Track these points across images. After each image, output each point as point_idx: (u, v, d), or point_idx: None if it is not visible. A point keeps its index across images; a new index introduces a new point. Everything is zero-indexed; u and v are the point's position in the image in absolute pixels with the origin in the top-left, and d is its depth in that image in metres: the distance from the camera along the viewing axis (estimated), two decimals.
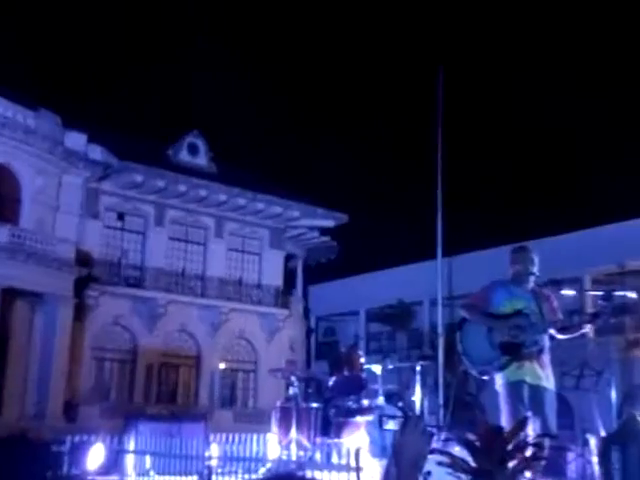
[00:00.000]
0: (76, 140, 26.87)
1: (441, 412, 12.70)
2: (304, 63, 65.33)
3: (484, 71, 54.19)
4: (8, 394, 23.64)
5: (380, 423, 7.65)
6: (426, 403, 8.98)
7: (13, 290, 23.35)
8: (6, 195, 25.32)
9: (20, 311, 24.50)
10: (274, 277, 32.99)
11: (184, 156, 31.50)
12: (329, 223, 34.08)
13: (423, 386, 8.88)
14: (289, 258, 35.14)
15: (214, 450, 14.53)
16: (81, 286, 25.69)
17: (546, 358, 5.86)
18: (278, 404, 9.53)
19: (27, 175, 25.38)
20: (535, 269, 5.99)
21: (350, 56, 65.56)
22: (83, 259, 25.96)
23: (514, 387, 5.72)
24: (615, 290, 6.12)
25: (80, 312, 26.03)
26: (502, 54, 58.57)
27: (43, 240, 24.37)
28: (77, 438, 18.18)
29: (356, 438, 8.11)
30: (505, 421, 5.51)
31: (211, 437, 15.38)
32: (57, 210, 26.48)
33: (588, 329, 5.84)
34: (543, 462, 5.01)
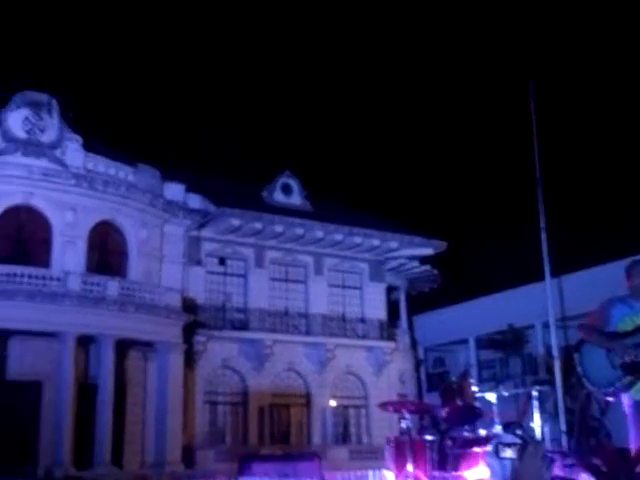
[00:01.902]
0: (175, 191, 27.81)
1: (564, 438, 12.00)
2: (389, 86, 65.59)
3: (577, 82, 52.53)
4: (128, 442, 24.28)
5: (497, 451, 7.27)
6: (547, 429, 8.50)
7: (125, 341, 24.13)
8: (113, 250, 26.41)
9: (134, 361, 25.26)
10: (377, 310, 32.69)
11: (278, 196, 31.96)
12: (428, 251, 33.57)
13: (542, 412, 8.43)
14: (391, 290, 34.77)
15: None
16: (189, 332, 26.27)
17: None
18: (392, 438, 9.26)
19: (131, 229, 26.41)
20: None
21: (441, 74, 65.22)
22: (189, 305, 26.60)
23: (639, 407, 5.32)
24: None
25: (190, 358, 26.59)
26: (593, 63, 56.71)
27: (150, 290, 25.14)
28: None
29: (475, 470, 7.72)
30: (633, 443, 5.10)
31: (326, 475, 15.17)
32: (161, 260, 27.36)
33: None
34: None
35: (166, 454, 24.12)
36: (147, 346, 25.10)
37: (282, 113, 63.69)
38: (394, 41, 64.72)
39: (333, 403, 30.04)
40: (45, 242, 24.71)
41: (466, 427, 8.62)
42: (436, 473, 8.23)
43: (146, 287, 25.16)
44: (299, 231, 30.24)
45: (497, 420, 8.60)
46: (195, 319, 26.61)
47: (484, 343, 34.45)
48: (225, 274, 29.76)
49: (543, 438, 7.99)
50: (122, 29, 60.97)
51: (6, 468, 20.32)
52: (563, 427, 13.22)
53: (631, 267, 5.79)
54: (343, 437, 30.79)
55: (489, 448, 7.74)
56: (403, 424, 9.19)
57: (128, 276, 25.87)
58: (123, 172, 26.44)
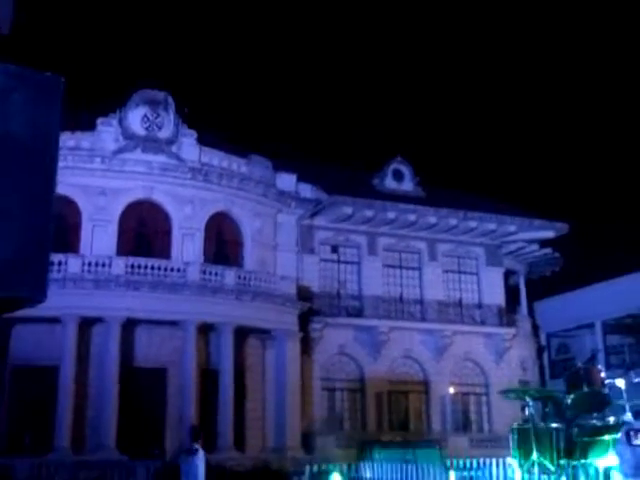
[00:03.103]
0: (287, 181, 28.14)
1: None
2: (500, 66, 63.51)
3: None
4: (249, 427, 24.87)
5: (628, 439, 6.81)
6: None
7: (243, 328, 24.68)
8: (229, 240, 27.08)
9: (252, 348, 25.83)
10: (495, 296, 31.83)
11: (390, 183, 31.68)
12: (549, 234, 32.30)
13: None
14: (509, 274, 33.75)
15: (452, 476, 14.01)
16: (305, 320, 26.55)
17: None
18: (515, 426, 8.94)
19: (245, 219, 26.96)
20: None
21: (557, 59, 62.55)
22: (304, 293, 26.86)
23: None
24: None
25: (306, 345, 26.89)
26: None
27: (266, 279, 25.58)
28: (315, 468, 18.56)
29: (605, 458, 7.28)
30: None
31: (447, 463, 14.89)
32: (275, 249, 27.78)
33: None
34: None
35: (286, 439, 24.52)
36: (264, 333, 25.58)
37: (392, 98, 63.19)
38: (515, 25, 62.62)
39: (452, 390, 29.55)
40: (165, 234, 25.67)
41: (594, 414, 8.21)
42: (563, 461, 7.85)
43: (261, 276, 25.63)
44: (411, 217, 29.86)
45: (627, 407, 8.14)
46: (310, 307, 26.86)
47: (612, 328, 32.81)
48: (339, 262, 29.85)
49: None
50: (230, 24, 62.38)
51: (135, 451, 21.33)
52: None
53: None
54: (463, 425, 30.24)
55: (619, 435, 7.31)
56: (526, 411, 8.84)
57: (244, 265, 26.45)
58: (236, 164, 27.02)
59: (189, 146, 26.09)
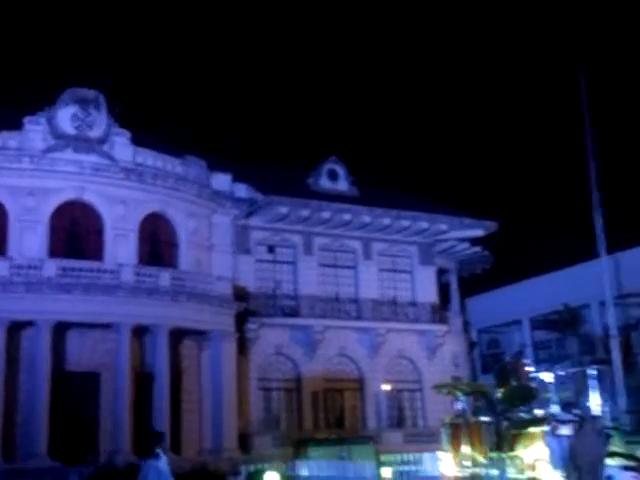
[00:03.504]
0: (222, 181, 28.07)
1: (624, 416, 11.75)
2: (435, 68, 64.69)
3: (627, 66, 51.01)
4: (185, 430, 24.68)
5: (554, 429, 7.17)
6: (606, 408, 8.34)
7: (179, 330, 24.49)
8: (163, 241, 26.80)
9: (188, 349, 25.64)
10: (428, 293, 32.48)
11: (325, 183, 31.92)
12: (478, 233, 33.14)
13: (600, 391, 8.27)
14: (442, 272, 34.48)
15: (386, 472, 14.27)
16: (241, 320, 26.53)
17: None
18: (447, 421, 9.21)
19: (180, 220, 26.75)
20: None
21: (487, 61, 64.11)
22: (240, 294, 26.83)
23: None
24: None
25: (243, 345, 26.89)
26: None
27: (201, 280, 25.43)
28: (252, 468, 18.60)
29: (533, 450, 7.61)
30: None
31: (382, 458, 15.13)
32: (211, 250, 27.66)
33: None
34: None
35: (223, 441, 24.45)
36: (200, 335, 25.43)
37: (326, 99, 63.54)
38: (442, 25, 63.84)
39: (386, 387, 30.01)
40: (98, 236, 25.22)
41: (522, 407, 8.52)
42: (493, 454, 8.15)
43: (197, 277, 25.47)
44: (346, 217, 30.18)
45: (554, 399, 8.48)
46: (246, 307, 26.84)
47: (539, 323, 33.89)
48: (274, 262, 29.93)
49: (601, 416, 7.83)
50: (164, 23, 61.62)
51: (69, 456, 20.91)
52: (622, 405, 12.95)
53: None
54: (398, 421, 30.76)
55: (546, 427, 7.63)
56: (458, 406, 9.13)
57: (179, 266, 26.23)
58: (171, 164, 26.76)
59: (122, 146, 25.69)
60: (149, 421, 22.63)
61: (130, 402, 22.52)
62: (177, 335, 24.66)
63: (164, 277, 24.07)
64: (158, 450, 10.37)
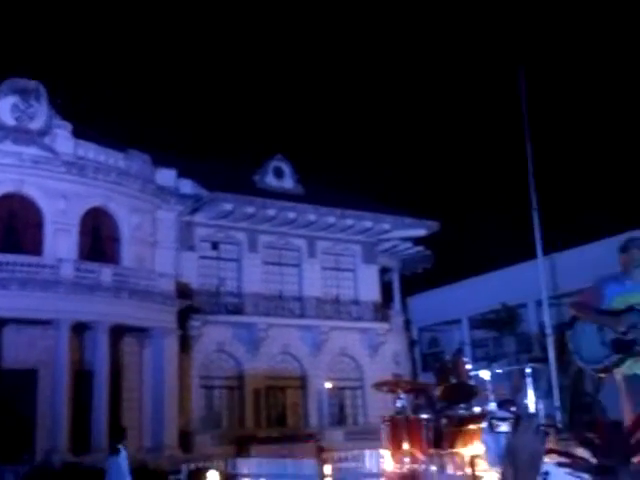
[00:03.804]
0: (166, 176, 27.76)
1: (558, 414, 12.16)
2: (380, 69, 65.27)
3: (566, 68, 52.44)
4: (125, 428, 24.33)
5: (491, 427, 7.37)
6: (541, 405, 8.62)
7: (120, 327, 24.15)
8: (105, 236, 26.36)
9: (129, 347, 25.32)
10: (371, 292, 32.82)
11: (270, 180, 31.93)
12: (421, 232, 33.67)
13: (536, 389, 8.53)
14: (384, 271, 34.88)
15: (327, 469, 14.42)
16: (184, 317, 26.32)
17: None
18: (387, 418, 9.34)
19: (123, 215, 26.35)
20: None
21: (430, 60, 64.94)
22: (183, 291, 26.61)
23: (631, 382, 5.40)
24: None
25: (185, 343, 26.67)
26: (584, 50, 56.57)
27: (144, 276, 25.15)
28: (193, 466, 18.51)
29: (471, 447, 7.82)
30: (626, 417, 5.18)
31: (323, 456, 15.26)
32: (154, 246, 27.33)
33: None
34: None
35: (163, 439, 24.24)
36: (142, 332, 25.14)
37: (273, 97, 63.38)
38: (382, 25, 64.41)
39: (328, 385, 30.21)
40: (37, 230, 24.65)
41: (461, 405, 8.71)
42: (432, 451, 8.33)
43: (139, 273, 25.16)
44: (291, 215, 30.25)
45: (491, 397, 8.69)
46: (189, 304, 26.64)
47: (478, 322, 34.57)
48: (219, 259, 29.79)
49: (537, 413, 8.09)
50: (109, 14, 60.50)
51: (4, 455, 20.39)
52: (557, 403, 13.39)
53: (625, 245, 5.79)
54: (339, 418, 31.01)
55: (484, 425, 7.84)
56: (398, 404, 9.28)
57: (121, 262, 25.86)
58: (114, 158, 26.33)
59: (63, 138, 25.16)
60: (88, 419, 22.30)
61: (68, 400, 22.12)
62: (118, 332, 24.31)
63: (105, 273, 23.71)
64: (120, 446, 10.54)
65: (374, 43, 65.34)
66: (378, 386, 11.92)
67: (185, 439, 25.31)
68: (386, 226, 32.54)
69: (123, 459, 10.52)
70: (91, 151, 25.77)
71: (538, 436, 2.65)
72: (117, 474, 10.57)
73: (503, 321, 31.97)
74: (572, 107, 53.19)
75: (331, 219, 31.10)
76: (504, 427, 7.10)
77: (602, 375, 5.84)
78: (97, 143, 26.03)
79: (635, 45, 54.26)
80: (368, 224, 32.05)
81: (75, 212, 25.13)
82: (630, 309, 5.45)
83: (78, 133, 25.50)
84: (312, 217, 30.67)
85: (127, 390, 24.87)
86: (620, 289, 5.61)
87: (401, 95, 63.94)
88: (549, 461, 2.91)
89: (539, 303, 25.87)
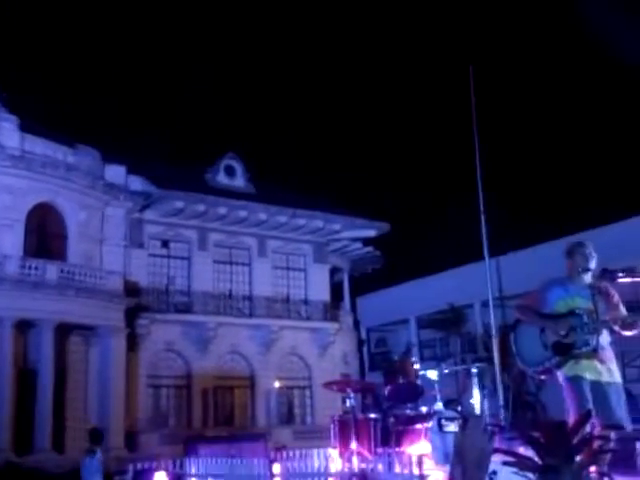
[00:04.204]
0: (116, 173, 27.38)
1: (502, 413, 12.44)
2: (329, 70, 65.56)
3: (516, 69, 53.52)
4: (69, 428, 23.95)
5: (440, 427, 7.52)
6: (486, 405, 8.82)
7: (66, 325, 23.74)
8: (52, 232, 25.86)
9: (75, 345, 24.90)
10: (321, 292, 32.95)
11: (222, 179, 31.77)
12: (371, 233, 33.94)
13: (481, 389, 8.72)
14: (334, 271, 35.07)
15: (276, 468, 14.47)
16: (132, 316, 26.01)
17: (608, 353, 5.68)
18: (335, 417, 9.41)
19: (71, 211, 25.89)
20: (592, 264, 5.81)
21: (379, 61, 65.48)
22: (131, 289, 26.30)
23: (573, 382, 5.57)
24: None
25: (133, 341, 26.37)
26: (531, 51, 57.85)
27: (91, 274, 24.76)
28: (139, 466, 18.31)
29: (418, 446, 7.95)
30: (569, 417, 5.36)
31: (272, 455, 15.30)
32: (102, 243, 26.92)
33: None
34: (610, 455, 4.87)
35: (109, 439, 23.88)
36: (88, 330, 24.76)
37: (225, 95, 63.08)
38: (333, 24, 64.67)
39: (277, 384, 30.23)
40: None
41: (408, 405, 8.84)
42: (380, 450, 8.44)
43: (86, 270, 24.76)
44: (242, 213, 30.15)
45: (439, 397, 8.85)
46: (138, 302, 26.34)
47: (425, 323, 35.07)
48: (168, 257, 29.51)
49: (483, 413, 8.28)
50: (57, 6, 59.16)
51: None
52: (501, 402, 13.68)
53: (571, 250, 5.91)
54: (287, 418, 31.05)
55: (431, 424, 7.99)
56: (347, 403, 9.36)
57: (68, 259, 25.40)
58: (62, 153, 25.84)
59: (9, 132, 24.58)
60: (32, 419, 21.87)
61: (11, 399, 21.65)
62: (64, 330, 23.90)
63: (51, 270, 23.28)
64: (95, 448, 11.12)
65: (327, 43, 65.57)
66: (328, 385, 12.00)
67: (132, 439, 25.02)
68: (337, 226, 32.71)
69: (97, 460, 10.74)
70: (38, 145, 25.24)
71: (485, 436, 2.75)
72: (92, 475, 10.77)
73: (450, 321, 32.50)
74: (522, 111, 54.38)
75: (282, 218, 31.11)
76: (452, 427, 7.25)
77: (542, 377, 6.02)
78: (45, 138, 25.52)
79: (583, 48, 55.76)
80: (319, 224, 32.16)
81: (21, 207, 24.59)
82: (571, 313, 5.64)
83: (25, 127, 24.97)
84: (263, 216, 30.63)
85: (72, 389, 24.46)
86: (563, 293, 5.79)
87: (353, 96, 64.34)
88: (496, 460, 3.02)
89: (485, 304, 26.41)
